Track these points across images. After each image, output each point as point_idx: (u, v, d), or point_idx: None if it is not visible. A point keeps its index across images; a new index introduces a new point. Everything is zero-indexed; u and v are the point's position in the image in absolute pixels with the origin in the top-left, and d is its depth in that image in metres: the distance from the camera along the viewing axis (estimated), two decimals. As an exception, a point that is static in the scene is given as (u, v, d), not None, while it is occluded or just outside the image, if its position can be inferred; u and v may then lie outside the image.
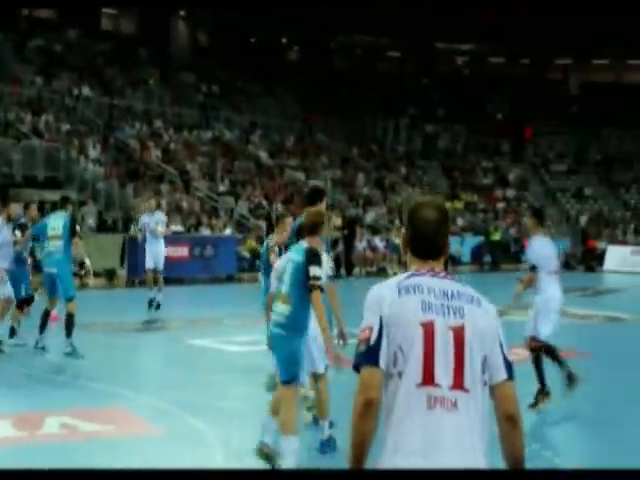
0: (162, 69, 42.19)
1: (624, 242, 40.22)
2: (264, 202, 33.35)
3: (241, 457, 7.82)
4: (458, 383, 3.36)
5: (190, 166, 34.07)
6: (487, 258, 37.32)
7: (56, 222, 12.98)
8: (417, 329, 3.37)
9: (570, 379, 9.95)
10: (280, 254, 9.47)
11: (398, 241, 28.29)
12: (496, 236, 37.26)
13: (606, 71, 53.84)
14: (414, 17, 44.06)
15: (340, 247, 29.41)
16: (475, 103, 50.10)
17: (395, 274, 3.67)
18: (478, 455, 3.35)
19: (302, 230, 7.79)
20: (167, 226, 19.16)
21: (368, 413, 3.33)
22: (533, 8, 41.54)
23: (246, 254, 27.71)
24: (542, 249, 10.30)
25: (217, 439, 8.53)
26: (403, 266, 3.77)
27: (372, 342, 3.38)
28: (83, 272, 13.50)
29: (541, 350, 9.83)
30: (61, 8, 41.90)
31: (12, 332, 13.24)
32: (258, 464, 7.54)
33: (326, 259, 8.04)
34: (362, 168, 42.32)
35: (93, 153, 31.42)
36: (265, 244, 10.60)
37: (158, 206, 20.85)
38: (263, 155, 38.67)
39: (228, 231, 29.47)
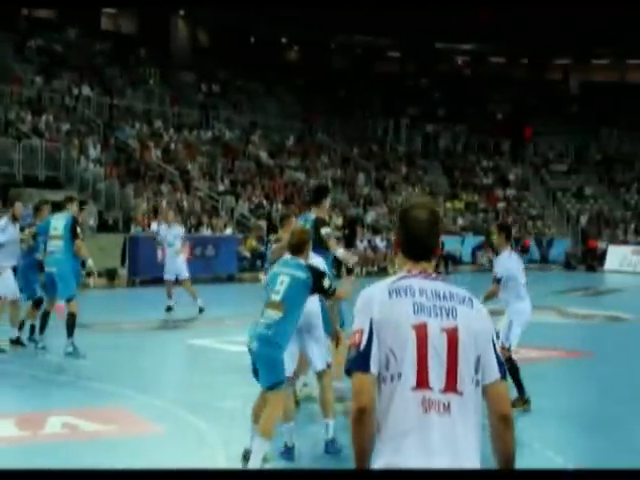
0: (162, 69, 42.20)
1: (625, 242, 40.23)
2: (264, 202, 33.35)
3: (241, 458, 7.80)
4: (451, 386, 3.34)
5: (190, 166, 34.08)
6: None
7: (58, 222, 13.01)
8: (409, 332, 3.34)
9: (517, 402, 9.90)
10: None
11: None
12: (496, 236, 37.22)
13: (606, 71, 53.84)
14: (414, 17, 44.05)
15: (341, 247, 29.35)
16: (475, 103, 50.15)
17: (395, 274, 3.61)
18: (472, 457, 3.33)
19: (292, 247, 7.81)
20: (184, 243, 18.79)
21: (362, 419, 3.32)
22: (530, 6, 41.44)
23: (247, 254, 27.72)
24: (510, 264, 10.54)
25: (218, 439, 8.53)
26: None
27: (362, 347, 3.35)
28: (85, 272, 13.52)
29: (509, 360, 9.88)
30: (61, 8, 41.89)
31: (40, 329, 13.21)
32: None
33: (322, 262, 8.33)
34: (362, 168, 42.34)
35: (93, 153, 31.41)
36: (269, 243, 10.65)
37: (176, 216, 20.56)
38: (263, 155, 38.67)
39: (229, 231, 29.47)
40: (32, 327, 13.41)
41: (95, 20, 44.46)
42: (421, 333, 3.34)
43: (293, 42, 51.91)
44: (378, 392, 3.36)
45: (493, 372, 3.44)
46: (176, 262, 18.12)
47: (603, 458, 7.97)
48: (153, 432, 8.93)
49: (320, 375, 8.20)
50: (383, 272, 29.55)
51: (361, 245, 31.38)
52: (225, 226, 29.80)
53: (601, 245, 39.52)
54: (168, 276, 18.11)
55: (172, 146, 35.39)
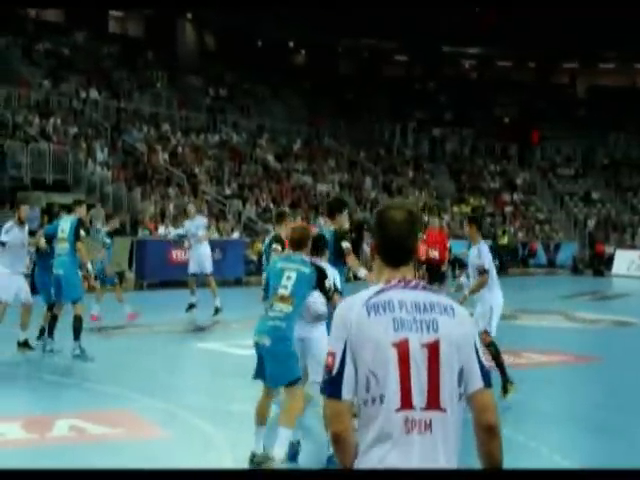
0: (169, 72, 42.27)
1: (632, 246, 40.16)
2: (272, 206, 33.36)
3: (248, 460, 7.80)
4: (434, 403, 3.23)
5: (198, 169, 34.10)
6: (495, 262, 37.20)
7: (65, 225, 13.13)
8: (390, 351, 3.22)
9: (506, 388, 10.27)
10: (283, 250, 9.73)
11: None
12: (504, 240, 37.19)
13: (613, 75, 53.78)
14: (420, 20, 44.06)
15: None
16: (482, 107, 50.13)
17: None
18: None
19: (294, 243, 7.93)
20: (208, 229, 18.82)
21: (339, 444, 3.28)
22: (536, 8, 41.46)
23: (254, 257, 27.71)
24: (489, 253, 10.89)
25: (225, 442, 8.52)
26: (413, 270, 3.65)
27: (334, 372, 3.25)
28: (83, 275, 13.59)
29: (489, 345, 10.16)
30: (68, 11, 42.00)
31: (49, 332, 13.21)
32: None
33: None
34: (369, 172, 42.33)
35: (101, 156, 31.46)
36: (268, 241, 10.74)
37: (198, 209, 20.56)
38: (270, 159, 38.69)
39: (236, 234, 29.48)
40: (42, 329, 13.44)
41: (102, 23, 44.54)
42: (402, 351, 3.22)
43: (300, 46, 51.94)
44: (359, 414, 3.26)
45: (477, 381, 3.31)
46: (200, 254, 18.08)
47: (611, 463, 7.93)
48: (160, 435, 8.93)
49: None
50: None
51: (368, 248, 31.35)
52: (232, 230, 29.81)
53: (608, 249, 39.44)
54: (191, 269, 18.08)
55: (179, 149, 35.43)
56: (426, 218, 36.33)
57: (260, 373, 7.68)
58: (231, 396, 10.54)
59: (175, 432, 8.92)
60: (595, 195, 46.75)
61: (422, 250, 21.09)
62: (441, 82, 52.69)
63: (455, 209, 42.23)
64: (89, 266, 14.06)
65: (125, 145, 33.79)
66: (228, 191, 33.84)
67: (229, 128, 40.37)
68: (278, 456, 7.39)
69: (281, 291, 7.59)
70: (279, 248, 10.12)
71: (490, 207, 43.86)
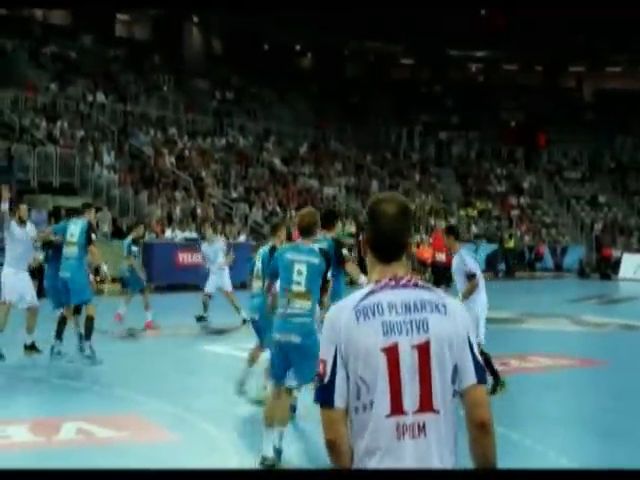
0: (176, 76, 42.34)
1: (639, 250, 40.08)
2: (278, 209, 33.38)
3: (256, 463, 7.80)
4: (426, 405, 3.19)
5: (204, 173, 34.14)
6: (501, 266, 37.23)
7: (74, 228, 13.08)
8: (379, 357, 3.17)
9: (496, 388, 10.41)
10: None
11: (413, 249, 28.25)
12: (510, 244, 37.19)
13: (620, 78, 53.70)
14: (427, 24, 44.08)
15: (354, 254, 29.35)
16: (489, 110, 50.13)
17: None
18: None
19: (303, 229, 7.93)
20: (228, 253, 18.34)
21: (334, 451, 3.25)
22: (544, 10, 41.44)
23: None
24: (472, 258, 11.04)
25: (232, 445, 8.53)
26: (417, 273, 3.62)
27: (326, 380, 3.21)
28: (99, 278, 13.62)
29: (481, 354, 10.10)
30: (75, 13, 42.09)
31: (57, 334, 13.22)
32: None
33: None
34: (376, 175, 42.35)
35: (108, 159, 31.51)
36: (267, 250, 10.75)
37: (215, 230, 20.02)
38: (277, 162, 38.72)
39: (242, 238, 29.49)
40: (80, 335, 13.42)
41: (109, 27, 44.64)
42: (392, 356, 3.18)
43: (306, 49, 51.97)
44: (350, 421, 3.24)
45: (469, 376, 3.26)
46: (221, 275, 17.90)
47: (617, 466, 7.91)
48: (167, 439, 8.93)
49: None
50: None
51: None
52: (239, 233, 29.83)
53: (615, 253, 39.38)
54: (208, 289, 17.86)
55: (186, 153, 35.47)
56: (433, 221, 36.49)
57: (280, 374, 7.67)
58: (237, 399, 10.53)
59: (182, 435, 8.92)
60: (602, 198, 46.71)
61: (429, 253, 21.18)
62: (447, 85, 52.69)
63: (462, 212, 42.22)
64: (104, 267, 14.12)
65: (132, 148, 33.84)
66: (234, 194, 33.88)
67: (236, 131, 40.42)
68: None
69: (296, 288, 7.60)
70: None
71: (496, 210, 43.85)
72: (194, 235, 27.38)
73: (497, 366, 10.98)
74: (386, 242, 3.38)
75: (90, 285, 13.55)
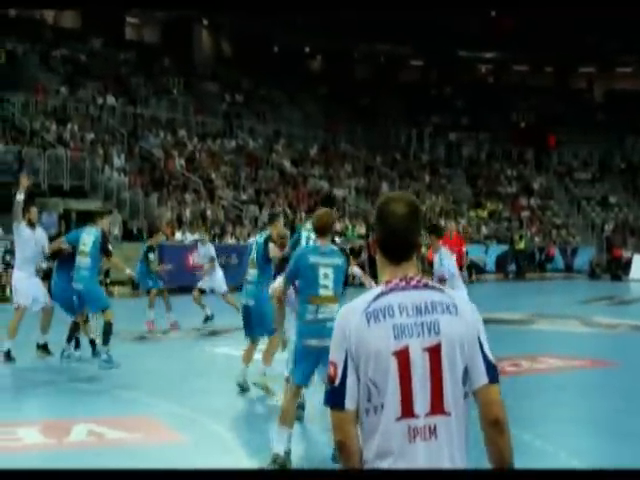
0: (186, 78, 42.41)
1: (650, 251, 39.97)
2: (288, 210, 33.39)
3: (266, 463, 7.80)
4: (438, 408, 3.18)
5: (214, 175, 34.18)
6: (512, 267, 37.17)
7: (87, 238, 12.87)
8: (390, 360, 3.16)
9: None
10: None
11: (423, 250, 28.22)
12: (521, 245, 37.12)
13: (631, 79, 53.61)
14: (436, 25, 44.06)
15: (364, 255, 29.37)
16: (499, 111, 50.08)
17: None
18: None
19: (320, 230, 7.92)
20: (212, 260, 18.33)
21: (344, 453, 3.24)
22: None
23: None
24: (452, 261, 11.03)
25: (242, 446, 8.53)
26: (427, 274, 3.59)
27: (337, 382, 3.20)
28: (108, 280, 13.64)
29: None
30: (84, 17, 42.20)
31: (68, 338, 13.23)
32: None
33: None
34: (386, 176, 42.34)
35: (118, 162, 31.59)
36: (262, 239, 11.30)
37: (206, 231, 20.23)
38: (287, 164, 38.74)
39: (252, 240, 29.48)
40: (92, 342, 13.44)
41: (119, 30, 44.75)
42: (403, 359, 3.17)
43: (316, 51, 52.01)
44: (360, 424, 3.23)
45: (481, 377, 3.25)
46: (213, 279, 17.97)
47: (630, 467, 7.89)
48: (177, 440, 8.93)
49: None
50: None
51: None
52: (249, 235, 29.83)
53: (626, 254, 39.26)
54: (202, 285, 17.94)
55: (196, 155, 35.52)
56: (443, 223, 36.45)
57: (308, 376, 7.66)
58: (247, 400, 10.54)
59: (193, 437, 8.92)
60: (612, 199, 46.60)
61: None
62: (457, 87, 52.66)
63: (472, 214, 42.18)
64: (128, 271, 14.22)
65: (142, 151, 33.92)
66: (244, 196, 33.91)
67: (245, 134, 40.47)
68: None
69: (323, 292, 7.56)
70: (276, 249, 10.78)
71: (507, 212, 43.79)
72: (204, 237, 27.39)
73: (508, 367, 10.95)
74: (396, 242, 3.35)
75: (104, 292, 13.50)
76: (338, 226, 29.69)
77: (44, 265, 13.85)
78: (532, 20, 43.65)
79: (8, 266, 21.76)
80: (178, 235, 27.99)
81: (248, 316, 11.17)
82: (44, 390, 11.39)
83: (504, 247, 37.86)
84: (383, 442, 3.18)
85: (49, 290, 13.58)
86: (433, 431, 3.18)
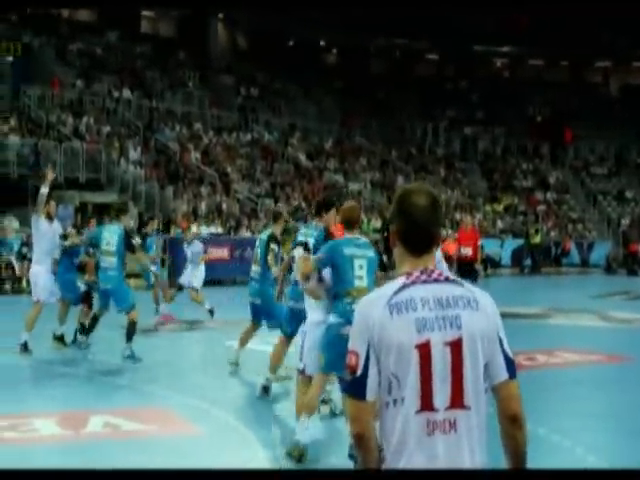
0: (201, 72, 42.44)
1: (666, 246, 39.79)
2: (303, 204, 33.39)
3: (281, 457, 7.81)
4: (458, 402, 3.19)
5: (230, 168, 34.20)
6: (527, 261, 37.07)
7: (111, 236, 12.78)
8: (412, 353, 3.16)
9: None
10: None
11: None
12: (536, 239, 37.00)
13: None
14: (452, 20, 43.95)
15: (379, 249, 29.30)
16: (514, 105, 49.91)
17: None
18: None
19: (347, 223, 8.00)
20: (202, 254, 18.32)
21: (361, 445, 3.23)
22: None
23: (285, 256, 27.70)
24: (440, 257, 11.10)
25: (257, 439, 8.53)
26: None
27: (358, 373, 3.19)
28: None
29: None
30: (100, 11, 42.30)
31: (87, 331, 13.28)
32: (297, 464, 7.58)
33: None
34: (401, 170, 42.27)
35: (133, 155, 31.66)
36: (266, 237, 11.63)
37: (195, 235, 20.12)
38: (302, 157, 38.73)
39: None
40: (82, 325, 13.48)
41: (135, 23, 44.81)
42: (424, 352, 3.16)
43: (332, 45, 51.95)
44: (380, 416, 3.23)
45: (501, 372, 3.27)
46: (194, 273, 17.89)
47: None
48: (193, 432, 8.96)
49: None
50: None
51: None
52: (265, 227, 29.86)
53: (642, 249, 39.12)
54: (182, 281, 17.80)
55: (211, 148, 35.56)
56: (458, 217, 36.38)
57: (340, 365, 7.68)
58: (263, 393, 10.53)
59: (208, 429, 8.95)
60: (629, 194, 46.41)
61: (454, 248, 21.12)
62: (473, 81, 52.52)
63: (487, 208, 42.08)
64: (152, 267, 14.25)
65: (157, 144, 33.98)
66: (260, 190, 33.92)
67: (261, 127, 40.47)
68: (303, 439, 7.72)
69: (359, 284, 7.60)
70: (275, 248, 11.23)
71: (522, 206, 43.66)
72: (220, 230, 27.46)
73: (524, 361, 10.91)
74: (418, 234, 3.34)
75: (131, 291, 13.51)
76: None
77: (57, 257, 13.89)
78: (547, 14, 43.47)
79: (25, 259, 21.88)
80: (194, 228, 28.01)
81: (257, 313, 11.59)
82: (61, 382, 11.43)
83: (520, 241, 37.75)
84: (402, 435, 3.18)
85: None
86: (453, 425, 3.19)
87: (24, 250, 22.09)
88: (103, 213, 14.00)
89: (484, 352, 3.24)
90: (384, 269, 8.22)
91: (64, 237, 13.77)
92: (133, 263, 16.91)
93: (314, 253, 9.02)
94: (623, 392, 11.32)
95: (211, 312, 17.40)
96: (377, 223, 32.52)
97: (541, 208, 43.66)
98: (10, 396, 10.29)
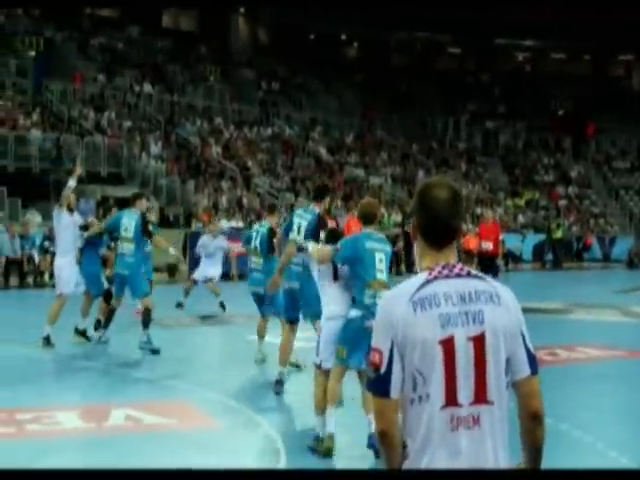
0: (222, 66, 42.48)
1: (689, 240, 39.56)
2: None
3: (302, 452, 7.83)
4: (481, 397, 3.19)
5: (250, 162, 34.24)
6: (549, 256, 36.92)
7: (129, 222, 12.86)
8: (436, 349, 3.16)
9: None
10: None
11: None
12: (558, 234, 36.84)
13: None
14: (474, 13, 43.78)
15: (400, 243, 29.29)
16: (536, 99, 49.66)
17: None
18: (500, 465, 3.23)
19: (365, 218, 8.11)
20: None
21: (385, 441, 3.23)
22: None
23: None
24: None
25: (278, 433, 8.55)
26: (464, 263, 3.52)
27: (382, 370, 3.18)
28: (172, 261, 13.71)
29: None
30: (123, 7, 42.45)
31: (105, 324, 13.34)
32: (319, 458, 7.59)
33: None
34: (422, 164, 42.17)
35: (155, 149, 31.74)
36: (266, 229, 12.03)
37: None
38: (323, 151, 38.71)
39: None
40: (98, 321, 13.54)
41: (156, 18, 44.89)
42: (448, 348, 3.16)
43: (353, 39, 51.88)
44: (404, 412, 3.22)
45: (523, 368, 3.26)
46: (214, 266, 17.91)
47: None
48: (213, 426, 9.00)
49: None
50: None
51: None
52: (284, 221, 29.87)
53: (664, 243, 38.90)
54: (198, 278, 17.86)
55: (232, 143, 35.60)
56: (479, 211, 36.28)
57: (361, 358, 7.72)
58: (285, 387, 10.55)
59: (228, 423, 8.99)
60: (651, 188, 46.16)
61: (475, 243, 21.09)
62: (495, 75, 52.32)
63: (509, 202, 41.94)
64: (172, 250, 14.29)
65: (179, 138, 34.05)
66: (281, 184, 33.94)
67: (282, 121, 40.48)
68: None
69: (379, 276, 7.79)
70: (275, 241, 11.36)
71: (544, 200, 43.48)
72: (240, 224, 27.50)
73: (545, 356, 10.88)
74: (439, 228, 3.33)
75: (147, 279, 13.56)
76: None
77: (79, 246, 13.96)
78: (570, 8, 43.21)
79: (47, 252, 21.99)
80: (216, 222, 28.09)
81: (260, 302, 12.03)
82: (83, 375, 11.50)
83: (541, 236, 37.60)
84: (427, 432, 3.18)
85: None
86: (477, 420, 3.19)
87: (46, 244, 22.21)
88: (124, 206, 13.97)
89: (506, 347, 3.24)
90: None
91: (84, 228, 13.84)
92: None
93: (305, 236, 9.72)
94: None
95: (223, 306, 17.45)
96: (398, 217, 32.48)
97: (563, 203, 43.46)
98: (33, 389, 10.36)
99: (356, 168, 38.45)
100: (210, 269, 17.77)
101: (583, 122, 49.14)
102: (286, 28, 45.89)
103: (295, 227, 10.09)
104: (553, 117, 50.61)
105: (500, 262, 20.50)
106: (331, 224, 10.47)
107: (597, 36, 46.84)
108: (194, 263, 24.66)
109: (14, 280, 22.69)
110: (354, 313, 7.77)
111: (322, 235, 9.72)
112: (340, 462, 7.67)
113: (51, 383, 11.23)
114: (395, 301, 3.23)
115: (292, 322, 10.51)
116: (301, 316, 10.43)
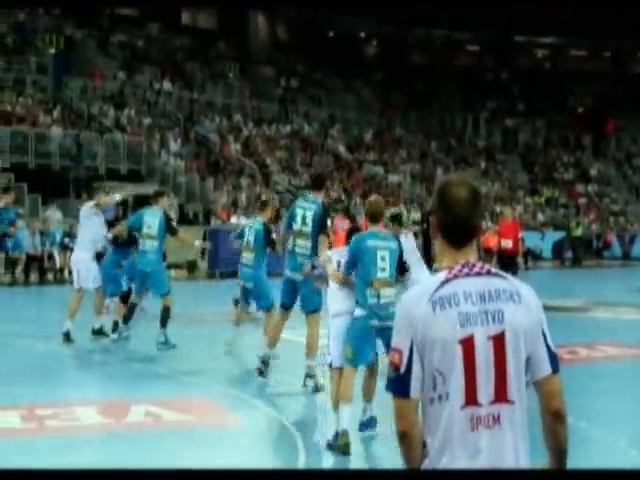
0: (242, 63, 42.53)
1: None
2: (343, 196, 33.38)
3: (321, 449, 7.83)
4: (501, 396, 3.17)
5: (269, 160, 34.27)
6: (568, 254, 36.78)
7: (152, 220, 12.88)
8: (456, 348, 3.14)
9: None
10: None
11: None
12: (578, 232, 36.68)
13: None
14: (493, 10, 43.67)
15: (419, 241, 29.21)
16: (556, 97, 49.47)
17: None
18: (521, 464, 3.21)
19: (372, 216, 8.20)
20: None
21: (405, 442, 3.22)
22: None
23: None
24: (409, 245, 11.20)
25: (297, 430, 8.55)
26: (484, 261, 3.50)
27: (402, 370, 3.16)
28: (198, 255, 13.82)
29: None
30: (142, 5, 42.59)
31: (125, 319, 13.35)
32: (338, 455, 7.59)
33: None
34: (441, 162, 42.10)
35: (174, 147, 31.82)
36: (261, 225, 11.92)
37: None
38: (342, 149, 38.70)
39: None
40: (115, 323, 13.52)
41: (175, 15, 45.00)
42: (468, 347, 3.14)
43: (372, 37, 51.84)
44: (424, 412, 3.21)
45: (544, 367, 3.24)
46: None
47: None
48: (233, 423, 9.01)
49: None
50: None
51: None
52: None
53: (686, 242, 38.70)
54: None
55: (251, 140, 35.64)
56: (499, 209, 36.18)
57: (370, 355, 7.89)
58: (300, 384, 10.55)
59: (249, 419, 9.00)
60: (672, 186, 45.93)
61: (494, 241, 21.03)
62: (514, 72, 52.15)
63: (528, 200, 41.81)
64: (197, 243, 14.46)
65: (198, 136, 34.11)
66: (299, 182, 33.95)
67: (300, 118, 40.49)
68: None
69: (381, 275, 7.81)
70: (273, 235, 11.73)
71: (564, 198, 43.33)
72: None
73: (565, 355, 10.84)
74: (458, 226, 3.31)
75: (168, 277, 13.61)
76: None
77: (100, 247, 14.01)
78: (589, 4, 43.03)
79: (67, 249, 22.08)
80: (233, 219, 28.13)
81: (247, 296, 12.38)
82: (102, 371, 11.55)
83: (561, 234, 37.46)
84: (447, 431, 3.16)
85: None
86: (497, 419, 3.17)
87: (66, 241, 22.31)
88: (144, 204, 14.02)
89: (526, 346, 3.21)
90: (403, 272, 8.24)
91: (111, 224, 13.99)
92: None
93: (313, 227, 9.97)
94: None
95: (236, 302, 17.45)
96: (417, 215, 32.43)
97: (582, 201, 43.30)
98: (52, 385, 10.41)
99: (375, 166, 38.43)
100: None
101: (603, 119, 48.92)
102: (305, 25, 45.93)
103: (299, 218, 10.16)
104: (573, 114, 50.41)
105: (519, 260, 20.39)
106: (349, 223, 10.45)
107: (617, 33, 46.64)
108: (213, 259, 24.80)
109: (34, 276, 22.81)
110: (359, 312, 7.86)
111: (329, 223, 9.91)
112: (357, 462, 7.67)
113: (71, 379, 11.28)
114: (415, 301, 3.22)
115: (286, 308, 10.69)
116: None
